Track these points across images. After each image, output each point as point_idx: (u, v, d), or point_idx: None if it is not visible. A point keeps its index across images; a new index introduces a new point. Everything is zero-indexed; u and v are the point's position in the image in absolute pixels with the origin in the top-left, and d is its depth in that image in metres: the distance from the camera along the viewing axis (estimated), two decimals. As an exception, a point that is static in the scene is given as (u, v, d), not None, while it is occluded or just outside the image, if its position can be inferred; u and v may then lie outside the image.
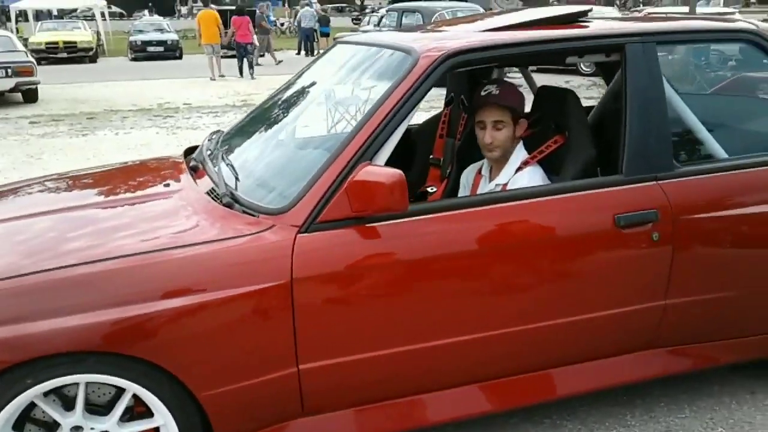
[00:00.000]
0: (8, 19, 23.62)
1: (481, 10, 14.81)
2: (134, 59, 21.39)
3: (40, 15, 26.49)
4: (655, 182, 2.27)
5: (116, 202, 2.35)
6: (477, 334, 2.12)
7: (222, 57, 15.78)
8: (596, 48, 2.40)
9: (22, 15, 25.32)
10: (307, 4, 22.33)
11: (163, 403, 1.87)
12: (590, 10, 2.56)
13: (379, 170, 1.91)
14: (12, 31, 23.09)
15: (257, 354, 1.92)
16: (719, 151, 2.48)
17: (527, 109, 2.57)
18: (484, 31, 2.39)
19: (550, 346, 2.26)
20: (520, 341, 2.19)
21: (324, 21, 22.09)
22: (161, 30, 22.67)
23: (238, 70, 15.58)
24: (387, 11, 15.66)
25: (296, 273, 1.90)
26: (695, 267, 2.33)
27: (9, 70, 11.19)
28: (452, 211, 2.12)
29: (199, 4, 50.17)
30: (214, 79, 14.94)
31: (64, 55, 20.43)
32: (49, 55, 20.28)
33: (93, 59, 20.92)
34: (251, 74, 15.28)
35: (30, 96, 11.87)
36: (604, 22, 2.64)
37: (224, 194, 2.13)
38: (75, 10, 26.97)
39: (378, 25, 15.59)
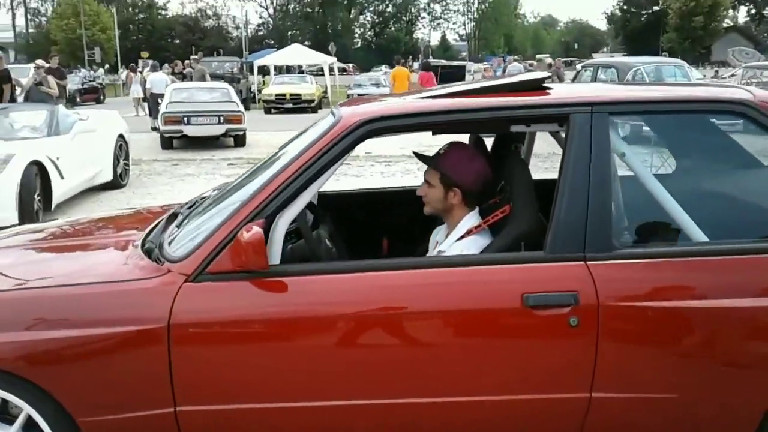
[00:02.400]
0: (251, 72, 26.78)
1: (686, 66, 13.89)
2: (350, 110, 23.01)
3: (290, 69, 29.70)
4: (582, 263, 2.06)
5: (77, 240, 2.67)
6: (356, 400, 2.07)
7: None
8: (536, 117, 2.26)
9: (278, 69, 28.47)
10: (516, 60, 22.45)
11: (48, 425, 2.08)
12: (549, 77, 2.42)
13: (248, 228, 1.98)
14: (254, 83, 26.32)
15: (135, 390, 2.07)
16: (696, 235, 2.18)
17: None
18: (423, 97, 2.36)
19: (447, 424, 2.12)
20: (408, 415, 2.10)
21: (532, 76, 22.03)
22: (377, 84, 24.18)
23: None
24: (583, 67, 15.25)
25: (174, 318, 2.03)
26: (627, 361, 2.06)
27: (221, 118, 12.74)
28: (341, 273, 2.12)
29: (432, 60, 52.72)
30: None
31: (290, 105, 22.67)
32: (278, 105, 22.66)
33: (314, 109, 22.85)
34: None
35: (239, 141, 13.33)
36: (564, 88, 2.46)
37: (148, 241, 2.34)
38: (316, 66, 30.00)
39: (573, 80, 15.22)
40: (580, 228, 2.08)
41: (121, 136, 9.25)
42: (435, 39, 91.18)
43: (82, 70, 35.82)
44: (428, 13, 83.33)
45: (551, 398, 2.08)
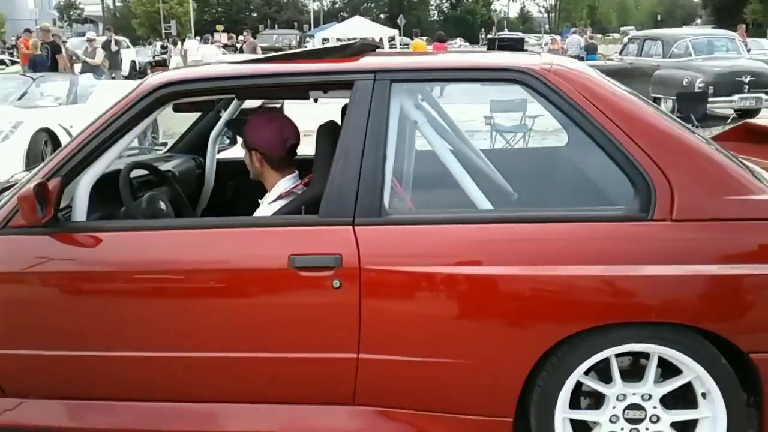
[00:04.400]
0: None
1: (737, 39, 13.18)
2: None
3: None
4: (349, 227, 2.12)
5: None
6: (129, 352, 2.22)
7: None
8: (326, 83, 2.31)
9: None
10: (575, 32, 21.80)
11: None
12: (380, 45, 2.46)
13: (25, 186, 2.14)
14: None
15: None
16: (482, 204, 2.20)
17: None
18: (234, 62, 2.46)
19: (221, 379, 2.24)
20: (182, 367, 2.22)
21: (591, 49, 21.34)
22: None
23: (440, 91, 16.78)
24: (629, 39, 14.67)
25: None
26: (389, 323, 2.11)
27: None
28: (131, 231, 2.25)
29: (506, 32, 51.66)
30: None
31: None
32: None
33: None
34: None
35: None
36: (371, 57, 2.48)
37: None
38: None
39: (621, 53, 14.71)
40: (351, 193, 2.13)
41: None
42: (514, 11, 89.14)
43: (157, 43, 37.04)
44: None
45: (321, 357, 2.16)
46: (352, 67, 2.29)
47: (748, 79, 11.44)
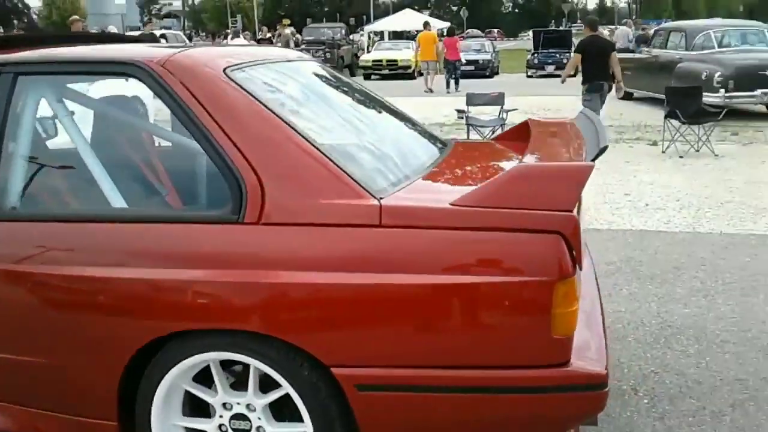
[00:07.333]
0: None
1: (766, 30, 12.35)
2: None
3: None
4: None
5: None
6: None
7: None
8: None
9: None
10: (625, 23, 20.94)
11: None
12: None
13: None
14: (364, 48, 26.89)
15: None
16: (116, 201, 2.15)
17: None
18: None
19: None
20: None
21: (642, 40, 20.41)
22: (478, 50, 23.59)
23: (445, 84, 17.49)
24: (655, 31, 13.99)
25: None
26: None
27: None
28: None
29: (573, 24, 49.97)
30: (427, 91, 17.03)
31: (386, 71, 22.89)
32: (375, 70, 22.99)
33: (412, 75, 22.74)
34: (456, 88, 16.97)
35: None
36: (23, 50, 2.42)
37: None
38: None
39: (648, 45, 14.05)
40: None
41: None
42: (593, 2, 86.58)
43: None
44: (586, -26, 79.05)
45: None
46: None
47: (773, 73, 10.72)
